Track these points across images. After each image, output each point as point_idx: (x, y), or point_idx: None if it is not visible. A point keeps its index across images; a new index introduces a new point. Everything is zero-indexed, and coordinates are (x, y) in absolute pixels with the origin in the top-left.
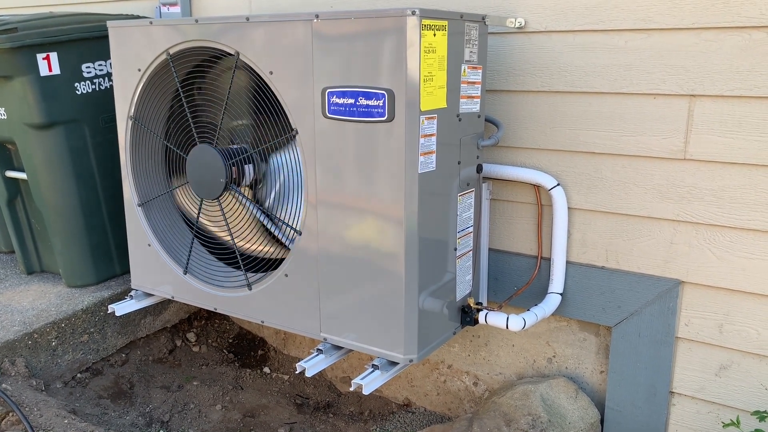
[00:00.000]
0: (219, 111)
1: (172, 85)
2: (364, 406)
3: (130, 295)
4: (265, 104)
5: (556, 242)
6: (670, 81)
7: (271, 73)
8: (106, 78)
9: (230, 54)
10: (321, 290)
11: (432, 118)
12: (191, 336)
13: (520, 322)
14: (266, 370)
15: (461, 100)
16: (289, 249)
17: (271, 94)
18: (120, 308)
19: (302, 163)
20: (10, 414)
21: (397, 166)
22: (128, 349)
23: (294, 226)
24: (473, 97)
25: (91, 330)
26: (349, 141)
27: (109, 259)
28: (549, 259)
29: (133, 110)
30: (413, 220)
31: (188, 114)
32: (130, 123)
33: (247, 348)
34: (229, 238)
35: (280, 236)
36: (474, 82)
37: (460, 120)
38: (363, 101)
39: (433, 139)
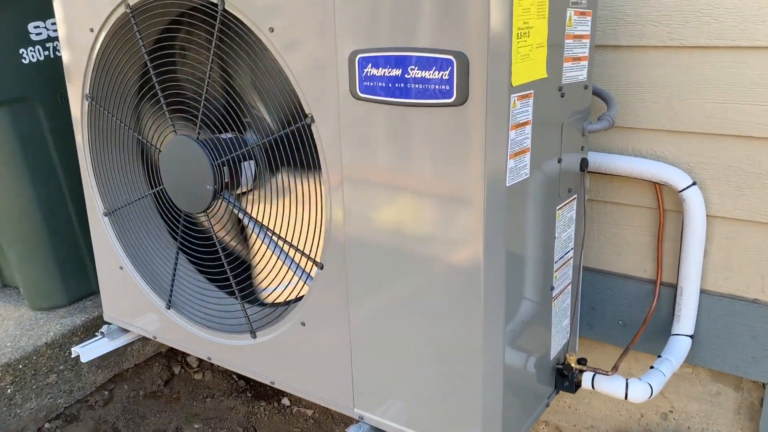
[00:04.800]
0: (200, 88)
1: (138, 50)
2: None
3: (102, 332)
4: (263, 77)
5: (686, 263)
6: None
7: (271, 30)
8: None
9: (213, 4)
10: (354, 348)
11: (526, 96)
12: (192, 360)
13: (644, 389)
14: (285, 402)
15: (565, 65)
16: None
17: (273, 61)
18: (87, 352)
19: (322, 167)
20: None
21: (473, 179)
22: (112, 384)
23: (312, 256)
24: (580, 59)
25: (60, 367)
26: (393, 136)
27: (83, 273)
28: (674, 286)
29: (88, 87)
30: (498, 268)
31: (159, 93)
32: (86, 104)
33: None
34: (222, 264)
35: (291, 267)
36: (581, 36)
37: (563, 95)
38: (416, 72)
39: (528, 129)
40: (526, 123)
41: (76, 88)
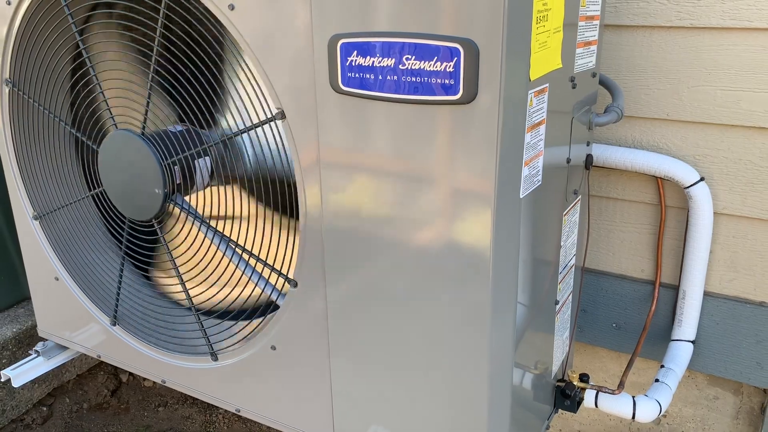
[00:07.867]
0: (145, 72)
1: (68, 27)
2: None
3: (36, 350)
4: (223, 64)
5: (690, 264)
6: None
7: (231, 8)
8: None
9: None
10: (334, 376)
11: (542, 91)
12: None
13: (653, 408)
14: None
15: (577, 51)
16: (276, 303)
17: (235, 45)
18: (19, 375)
19: (296, 173)
20: None
21: (482, 191)
22: (51, 399)
23: (284, 272)
24: (590, 43)
25: None
26: (385, 141)
27: (13, 277)
28: (673, 288)
29: (8, 70)
30: (508, 297)
31: (94, 77)
32: (6, 90)
33: None
34: (176, 279)
35: (260, 284)
36: (592, 17)
37: (574, 86)
38: (414, 63)
39: (542, 129)
40: (540, 123)
41: None
